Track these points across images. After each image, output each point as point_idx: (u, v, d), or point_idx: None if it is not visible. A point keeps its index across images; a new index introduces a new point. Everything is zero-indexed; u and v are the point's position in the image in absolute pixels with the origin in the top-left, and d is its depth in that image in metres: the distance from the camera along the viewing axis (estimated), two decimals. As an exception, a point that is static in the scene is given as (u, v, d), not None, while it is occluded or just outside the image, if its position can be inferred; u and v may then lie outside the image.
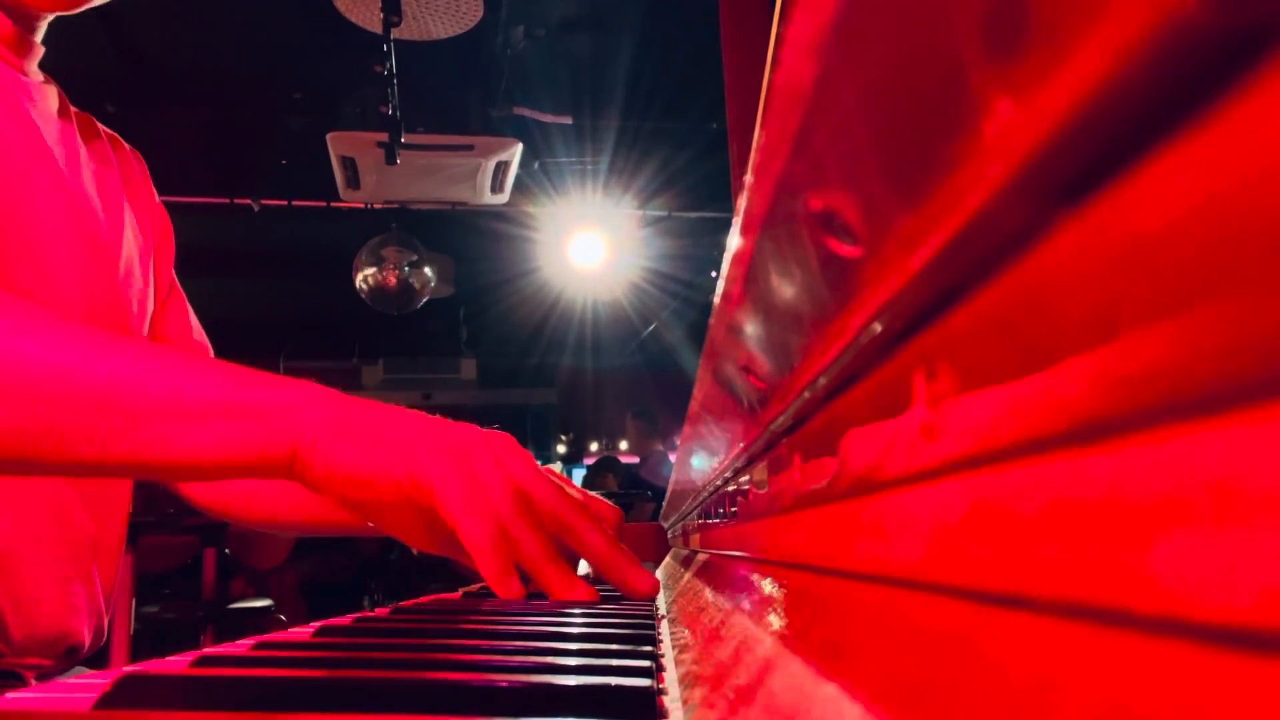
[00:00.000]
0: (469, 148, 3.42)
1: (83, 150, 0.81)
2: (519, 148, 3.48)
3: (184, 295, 0.95)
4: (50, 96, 0.79)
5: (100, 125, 0.88)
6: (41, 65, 0.79)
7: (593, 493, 0.76)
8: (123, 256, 0.81)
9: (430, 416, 0.59)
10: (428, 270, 4.38)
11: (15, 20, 0.74)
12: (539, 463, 0.61)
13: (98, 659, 0.84)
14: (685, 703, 0.31)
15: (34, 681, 0.70)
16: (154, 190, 0.92)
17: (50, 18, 0.77)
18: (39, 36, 0.77)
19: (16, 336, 0.50)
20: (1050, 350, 0.13)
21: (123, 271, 0.80)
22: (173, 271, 0.94)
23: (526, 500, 0.56)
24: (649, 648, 0.38)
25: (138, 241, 0.85)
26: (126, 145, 0.91)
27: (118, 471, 0.55)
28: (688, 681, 0.34)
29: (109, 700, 0.28)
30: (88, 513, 0.75)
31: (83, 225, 0.76)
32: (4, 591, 0.67)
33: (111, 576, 0.80)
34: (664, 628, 0.53)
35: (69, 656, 0.74)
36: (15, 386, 0.49)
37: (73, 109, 0.83)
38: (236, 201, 4.09)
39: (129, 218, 0.84)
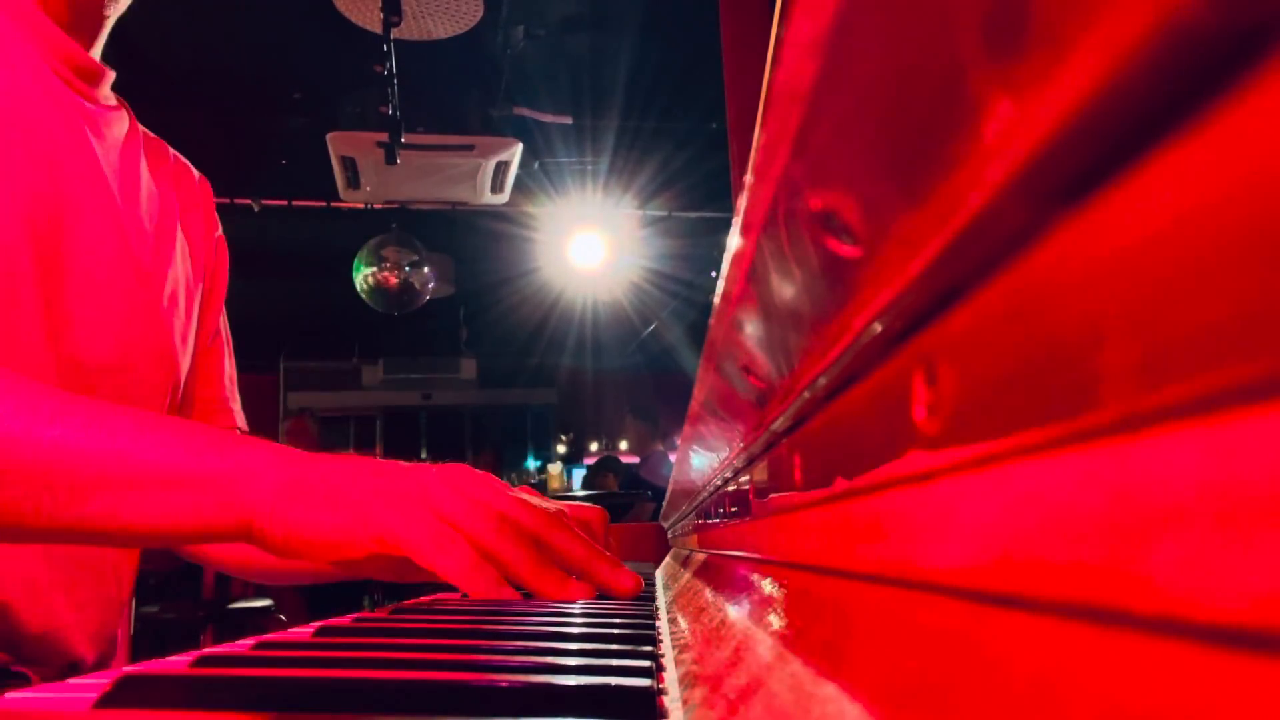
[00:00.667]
0: (469, 148, 3.42)
1: (145, 176, 0.81)
2: (519, 148, 3.48)
3: (225, 348, 0.93)
4: (118, 122, 0.79)
5: (171, 150, 0.88)
6: None
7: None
8: (167, 287, 0.80)
9: (384, 463, 0.58)
10: (428, 270, 4.38)
11: (82, 41, 0.74)
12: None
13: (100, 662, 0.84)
14: (685, 703, 0.31)
15: (37, 682, 0.70)
16: (217, 221, 0.92)
17: (109, 26, 0.77)
18: (97, 51, 0.77)
19: None
20: (1050, 350, 0.13)
21: (166, 301, 0.80)
22: (220, 318, 0.93)
23: (499, 522, 0.56)
24: (649, 648, 0.38)
25: (186, 272, 0.84)
26: (195, 173, 0.91)
27: (68, 539, 0.55)
28: (688, 681, 0.34)
29: (109, 700, 0.28)
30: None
31: (130, 255, 0.76)
32: (10, 615, 0.67)
33: (122, 602, 0.80)
34: (664, 627, 0.53)
35: (72, 670, 0.74)
36: None
37: (143, 132, 0.83)
38: (236, 201, 4.09)
39: (181, 247, 0.84)
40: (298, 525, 0.54)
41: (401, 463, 0.59)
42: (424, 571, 0.57)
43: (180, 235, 0.84)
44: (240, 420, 0.93)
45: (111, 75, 0.78)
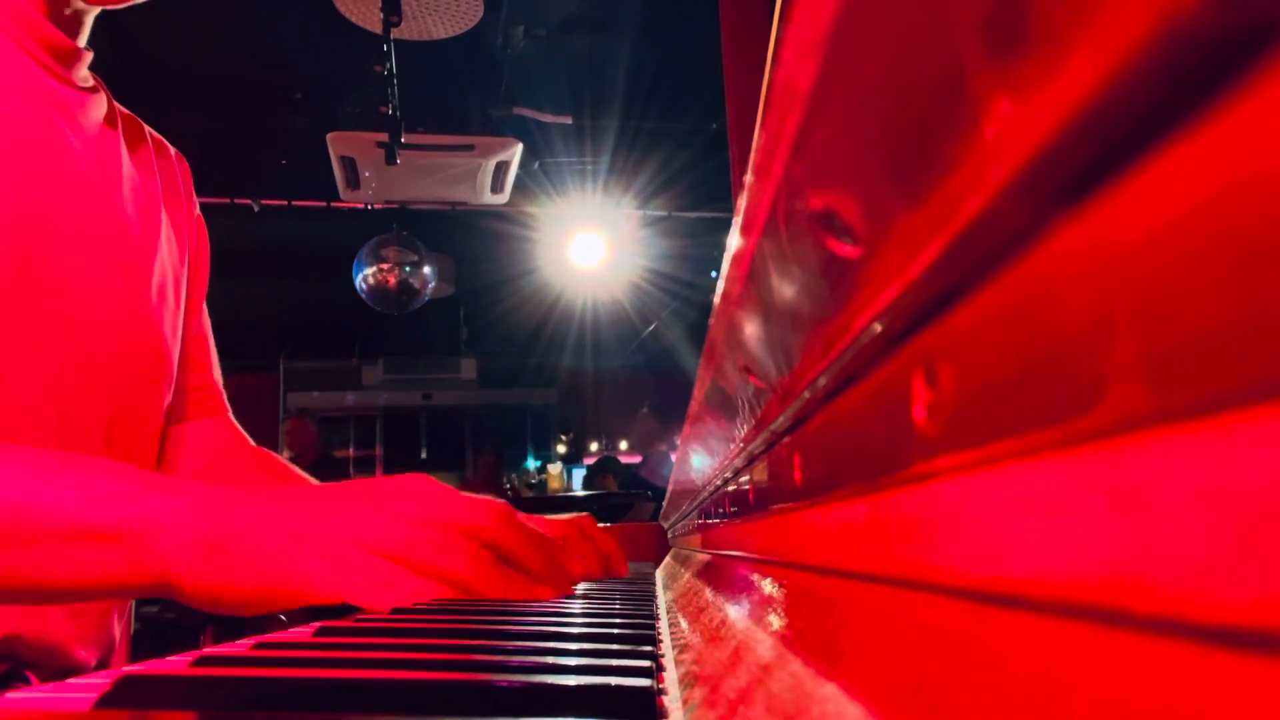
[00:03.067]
0: (469, 148, 3.42)
1: (125, 160, 0.79)
2: (519, 148, 3.48)
3: (208, 326, 0.92)
4: (97, 104, 0.77)
5: (148, 129, 0.85)
6: None
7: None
8: (154, 278, 0.78)
9: (314, 497, 0.53)
10: (428, 270, 4.38)
11: (61, 25, 0.72)
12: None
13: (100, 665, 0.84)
14: (685, 703, 0.31)
15: (36, 683, 0.70)
16: (195, 199, 0.90)
17: (95, 13, 0.75)
18: (83, 39, 0.75)
19: None
20: (1050, 350, 0.13)
21: (155, 295, 0.78)
22: (203, 301, 0.91)
23: (438, 535, 0.52)
24: (649, 648, 0.38)
25: (172, 258, 0.82)
26: (172, 150, 0.89)
27: None
28: (688, 681, 0.34)
29: (109, 700, 0.28)
30: None
31: (115, 246, 0.74)
32: (7, 625, 0.67)
33: (120, 607, 0.79)
34: (664, 628, 0.53)
35: (69, 674, 0.74)
36: None
37: (122, 113, 0.81)
38: (236, 201, 4.10)
39: (165, 232, 0.82)
40: (219, 584, 0.50)
41: (331, 489, 0.55)
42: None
43: (165, 220, 0.82)
44: (224, 403, 0.91)
45: (89, 56, 0.76)
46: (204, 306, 0.92)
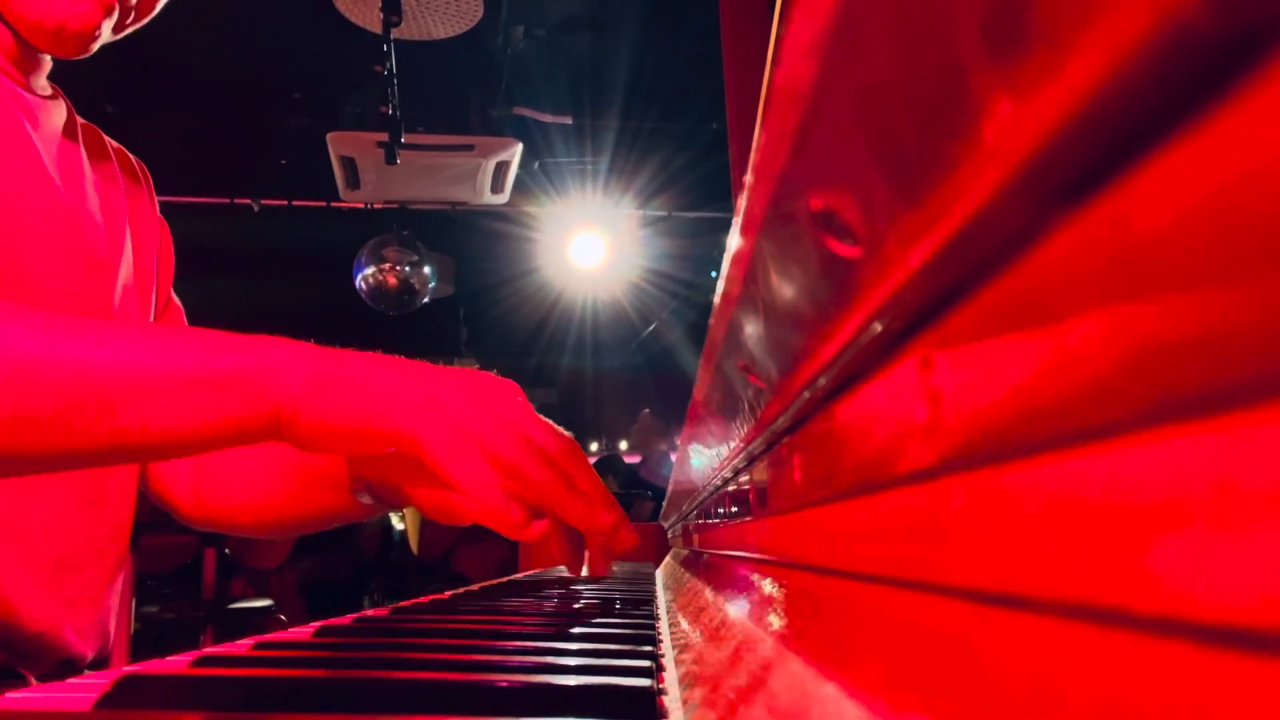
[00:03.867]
0: (469, 148, 3.42)
1: (87, 167, 0.80)
2: (519, 148, 3.48)
3: (180, 306, 0.94)
4: (56, 112, 0.77)
5: (107, 139, 0.86)
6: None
7: None
8: (119, 280, 0.79)
9: (418, 364, 0.58)
10: (428, 270, 4.38)
11: (20, 39, 0.72)
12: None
13: (98, 659, 0.84)
14: (685, 702, 0.31)
15: (35, 682, 0.70)
16: (156, 205, 0.91)
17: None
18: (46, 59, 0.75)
19: None
20: (1050, 350, 0.13)
21: (119, 297, 0.79)
22: (170, 288, 0.93)
23: (521, 438, 0.56)
24: (649, 648, 0.38)
25: (137, 263, 0.84)
26: (133, 158, 0.90)
27: (108, 456, 0.54)
28: (688, 681, 0.34)
29: (109, 700, 0.28)
30: (88, 535, 0.75)
31: (81, 246, 0.74)
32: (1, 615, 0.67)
33: (113, 596, 0.79)
34: (664, 628, 0.53)
35: (68, 666, 0.74)
36: None
37: (80, 122, 0.82)
38: (236, 201, 4.09)
39: (129, 238, 0.83)
40: (323, 416, 0.54)
41: (429, 365, 0.59)
42: (450, 505, 0.56)
43: (129, 227, 0.83)
44: None
45: (48, 64, 0.76)
46: (172, 294, 0.93)
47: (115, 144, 0.88)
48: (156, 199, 0.92)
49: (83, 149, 0.80)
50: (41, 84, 0.76)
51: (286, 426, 0.54)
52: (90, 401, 0.51)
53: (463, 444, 0.54)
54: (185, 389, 0.52)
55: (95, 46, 0.73)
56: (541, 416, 0.60)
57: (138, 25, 0.76)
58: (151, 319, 0.86)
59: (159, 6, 0.77)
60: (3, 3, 0.69)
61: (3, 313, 0.51)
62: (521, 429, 0.56)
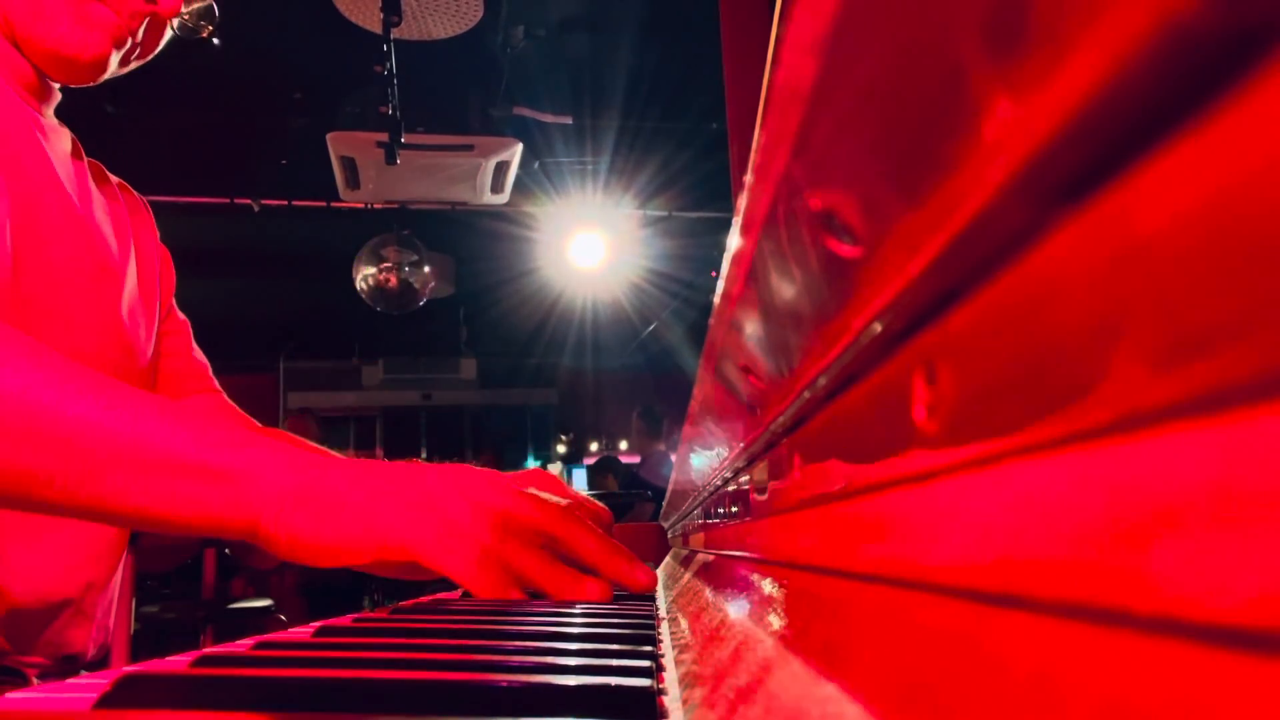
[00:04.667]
0: (469, 148, 3.42)
1: (94, 188, 0.84)
2: (519, 148, 3.48)
3: (184, 318, 0.97)
4: (64, 139, 0.82)
5: (109, 173, 0.91)
6: None
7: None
8: (126, 289, 0.83)
9: (389, 468, 0.58)
10: (428, 270, 4.38)
11: (37, 69, 0.77)
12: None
13: (98, 658, 0.85)
14: (685, 703, 0.31)
15: (36, 681, 0.71)
16: (158, 234, 0.95)
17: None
18: (59, 85, 0.80)
19: None
20: (1050, 350, 0.13)
21: (126, 306, 0.82)
22: (171, 301, 0.96)
23: (505, 522, 0.57)
24: (649, 648, 0.38)
25: (141, 277, 0.88)
26: (134, 192, 0.94)
27: (84, 515, 0.55)
28: (688, 681, 0.34)
29: (109, 700, 0.28)
30: (89, 535, 0.76)
31: (92, 253, 0.78)
32: (4, 602, 0.68)
33: (113, 592, 0.80)
34: (664, 628, 0.53)
35: (69, 662, 0.75)
36: None
37: (86, 157, 0.86)
38: (236, 201, 4.09)
39: (134, 254, 0.87)
40: (302, 532, 0.54)
41: (405, 465, 0.59)
42: (430, 571, 0.57)
43: (133, 247, 0.87)
44: (213, 380, 0.96)
45: (58, 97, 0.81)
46: (175, 307, 0.97)
47: (117, 179, 0.92)
48: (154, 216, 0.96)
49: (89, 175, 0.84)
50: (50, 114, 0.81)
51: (264, 536, 0.54)
52: (80, 463, 0.52)
53: (452, 537, 0.55)
54: (171, 473, 0.53)
55: (104, 76, 0.77)
56: (541, 482, 0.60)
57: (143, 61, 0.80)
58: (155, 327, 0.89)
59: (163, 43, 0.81)
60: (22, 35, 0.73)
61: (23, 353, 0.52)
62: (500, 509, 0.57)
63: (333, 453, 0.63)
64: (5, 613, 0.68)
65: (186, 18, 0.81)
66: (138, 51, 0.78)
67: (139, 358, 0.83)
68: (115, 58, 0.76)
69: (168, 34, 0.81)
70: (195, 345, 0.97)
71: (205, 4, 0.83)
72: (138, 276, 0.86)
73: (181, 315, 0.97)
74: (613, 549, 0.61)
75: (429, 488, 0.57)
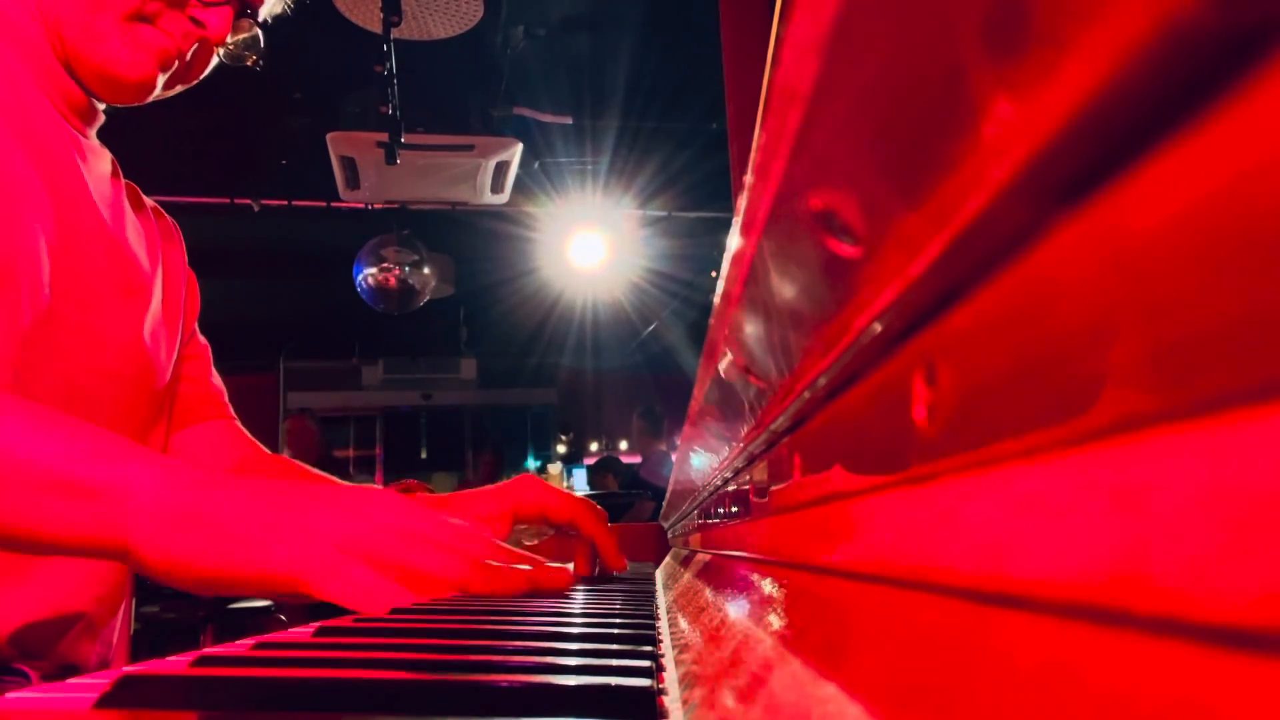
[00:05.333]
0: (469, 148, 3.42)
1: (128, 210, 0.85)
2: (519, 148, 3.48)
3: (205, 342, 0.98)
4: (104, 161, 0.83)
5: (144, 196, 0.92)
6: None
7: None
8: (151, 310, 0.84)
9: (281, 492, 0.55)
10: (428, 270, 4.38)
11: (84, 89, 0.78)
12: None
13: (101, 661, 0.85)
14: (685, 703, 0.31)
15: (38, 680, 0.71)
16: (186, 258, 0.96)
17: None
18: (103, 106, 0.82)
19: None
20: (1050, 351, 0.13)
21: (149, 326, 0.83)
22: (195, 325, 0.97)
23: (399, 535, 0.54)
24: (649, 648, 0.38)
25: (165, 298, 0.89)
26: (167, 217, 0.96)
27: None
28: (688, 681, 0.34)
29: (109, 700, 0.28)
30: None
31: (121, 271, 0.79)
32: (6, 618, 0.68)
33: (121, 608, 0.81)
34: (664, 628, 0.53)
35: (71, 671, 0.75)
36: None
37: (123, 179, 0.88)
38: (236, 201, 4.09)
39: (160, 277, 0.88)
40: (179, 558, 0.51)
41: (300, 489, 0.56)
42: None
43: (160, 269, 0.89)
44: (228, 407, 0.96)
45: (102, 119, 0.82)
46: (197, 331, 0.98)
47: (151, 203, 0.94)
48: (187, 258, 0.97)
49: (124, 196, 0.86)
50: (93, 135, 0.82)
51: (136, 559, 0.51)
52: None
53: (341, 563, 0.52)
54: (35, 489, 0.50)
55: (150, 98, 0.79)
56: (429, 512, 0.58)
57: (187, 85, 0.83)
58: (176, 349, 0.90)
59: (209, 69, 0.83)
60: (72, 53, 0.75)
61: None
62: (401, 528, 0.54)
63: (237, 475, 0.60)
64: (21, 627, 0.69)
65: (233, 46, 0.83)
66: (184, 75, 0.80)
67: (158, 378, 0.84)
68: (161, 79, 0.78)
69: (214, 60, 0.82)
70: (214, 371, 0.97)
71: (252, 34, 0.85)
72: (163, 298, 0.87)
73: (203, 339, 0.97)
74: (513, 555, 0.59)
75: (329, 516, 0.53)
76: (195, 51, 0.79)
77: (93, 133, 0.82)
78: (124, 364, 0.79)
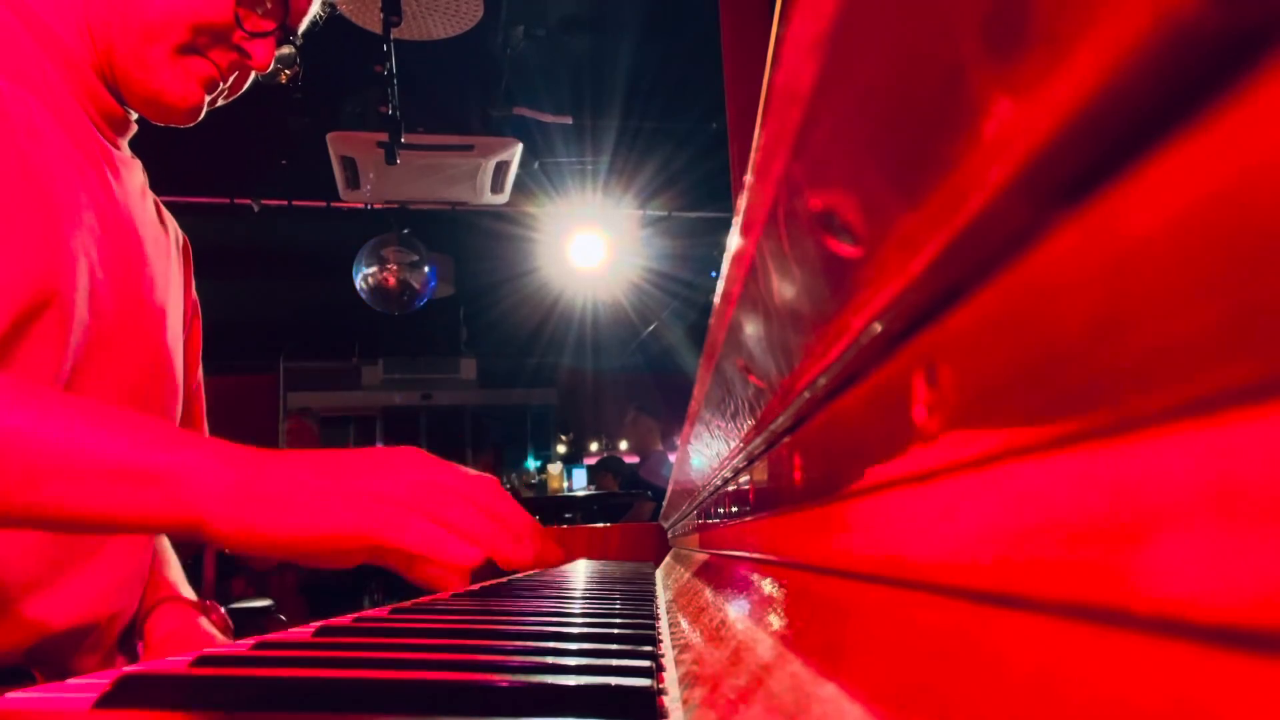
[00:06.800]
0: (469, 148, 3.42)
1: (151, 223, 0.88)
2: (519, 148, 3.48)
3: (201, 379, 1.00)
4: (135, 171, 0.86)
5: (165, 211, 0.94)
6: None
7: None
8: (169, 325, 0.87)
9: (330, 459, 0.59)
10: (428, 270, 4.38)
11: (122, 103, 0.81)
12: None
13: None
14: (685, 702, 0.31)
15: (41, 680, 0.71)
16: (193, 280, 0.99)
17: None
18: (135, 115, 0.85)
19: None
20: (1049, 351, 0.13)
21: (170, 338, 0.86)
22: (199, 366, 1.00)
23: (446, 493, 0.57)
24: (649, 648, 0.38)
25: (176, 318, 0.91)
26: (182, 234, 0.98)
27: (24, 524, 0.56)
28: (688, 681, 0.34)
29: (109, 700, 0.28)
30: (90, 537, 0.77)
31: (140, 284, 0.82)
32: (12, 628, 0.69)
33: (131, 624, 0.82)
34: (664, 627, 0.53)
35: (73, 671, 0.76)
36: None
37: (150, 194, 0.90)
38: (236, 201, 4.09)
39: (174, 295, 0.90)
40: (251, 527, 0.54)
41: (344, 454, 0.60)
42: (392, 554, 0.57)
43: (173, 284, 0.91)
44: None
45: (134, 129, 0.85)
46: (199, 371, 1.00)
47: (171, 219, 0.96)
48: (193, 278, 1.00)
49: (150, 210, 0.88)
50: (124, 146, 0.85)
51: (211, 534, 0.55)
52: (14, 471, 0.52)
53: (403, 517, 0.55)
54: (107, 478, 0.53)
55: (199, 118, 0.83)
56: (451, 464, 0.62)
57: (229, 100, 0.86)
58: (182, 375, 0.91)
59: (248, 84, 0.86)
60: (123, 80, 0.79)
61: None
62: (445, 486, 0.58)
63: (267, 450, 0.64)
64: (37, 641, 0.70)
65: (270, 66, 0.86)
66: (227, 92, 0.84)
67: (177, 397, 0.86)
68: (208, 99, 0.82)
69: (252, 76, 0.85)
70: (205, 415, 1.00)
71: (290, 52, 0.87)
72: (180, 319, 0.90)
73: (200, 376, 0.99)
74: (531, 525, 0.62)
75: (371, 475, 0.57)
76: (237, 75, 0.83)
77: (124, 143, 0.84)
78: (150, 379, 0.81)
